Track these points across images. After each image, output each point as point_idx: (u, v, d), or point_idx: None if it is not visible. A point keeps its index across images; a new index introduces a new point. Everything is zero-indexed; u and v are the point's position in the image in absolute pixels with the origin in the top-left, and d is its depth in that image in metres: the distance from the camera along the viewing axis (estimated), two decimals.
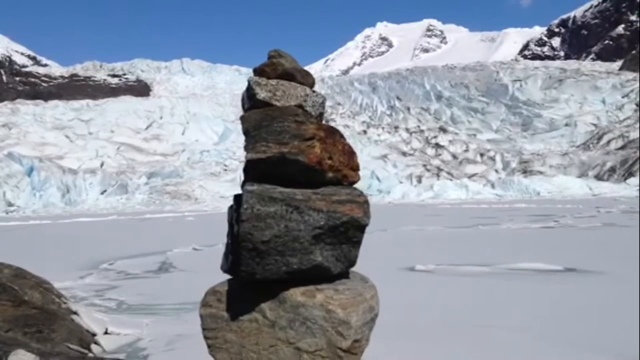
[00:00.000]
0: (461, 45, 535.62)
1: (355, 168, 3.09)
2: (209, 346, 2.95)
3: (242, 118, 2.93)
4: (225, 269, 3.01)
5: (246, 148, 2.86)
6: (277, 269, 2.75)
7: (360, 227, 2.90)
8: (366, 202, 2.97)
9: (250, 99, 2.98)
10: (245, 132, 2.88)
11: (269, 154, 2.79)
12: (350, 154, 3.05)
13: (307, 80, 3.08)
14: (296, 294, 2.81)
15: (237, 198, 2.93)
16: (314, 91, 3.06)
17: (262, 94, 2.92)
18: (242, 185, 2.88)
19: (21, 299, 7.91)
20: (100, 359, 6.25)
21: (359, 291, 2.92)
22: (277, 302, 2.83)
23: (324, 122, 3.16)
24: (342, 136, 3.06)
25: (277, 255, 2.74)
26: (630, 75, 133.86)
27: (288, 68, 3.00)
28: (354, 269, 3.20)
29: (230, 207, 3.01)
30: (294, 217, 2.74)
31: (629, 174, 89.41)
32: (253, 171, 2.90)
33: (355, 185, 3.09)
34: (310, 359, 2.73)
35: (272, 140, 2.80)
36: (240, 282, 2.94)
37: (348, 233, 2.86)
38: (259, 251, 2.71)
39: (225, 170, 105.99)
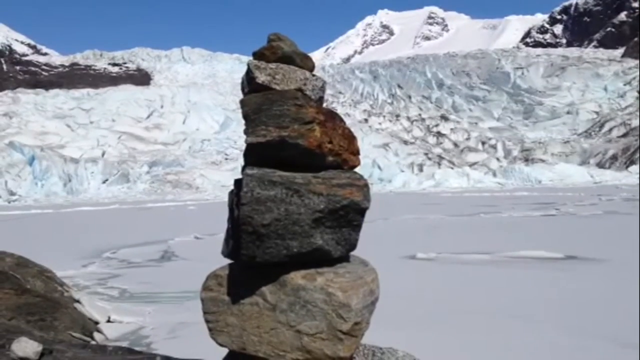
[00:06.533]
0: (463, 33, 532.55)
1: (355, 152, 3.09)
2: (210, 330, 2.97)
3: (241, 102, 2.93)
4: (226, 253, 3.02)
5: (246, 132, 2.86)
6: (278, 252, 2.76)
7: (360, 211, 2.90)
8: (366, 186, 2.97)
9: (249, 83, 2.97)
10: (245, 116, 2.87)
11: (269, 137, 2.79)
12: (350, 138, 3.05)
13: (307, 63, 3.07)
14: (297, 277, 2.82)
15: (238, 182, 2.94)
16: (313, 75, 3.06)
17: (261, 78, 2.92)
18: (242, 170, 2.88)
19: (24, 287, 7.95)
20: (103, 347, 6.28)
21: (359, 274, 2.93)
22: (278, 285, 2.84)
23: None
24: (342, 120, 3.06)
25: (277, 239, 2.74)
26: (632, 62, 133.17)
27: (287, 51, 2.99)
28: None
29: (231, 192, 3.02)
30: (294, 200, 2.74)
31: (631, 161, 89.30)
32: (253, 155, 2.91)
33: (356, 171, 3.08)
34: (310, 341, 2.74)
35: (272, 124, 2.80)
36: (241, 266, 2.95)
37: (348, 216, 2.87)
38: (259, 234, 2.72)
39: (226, 159, 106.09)
